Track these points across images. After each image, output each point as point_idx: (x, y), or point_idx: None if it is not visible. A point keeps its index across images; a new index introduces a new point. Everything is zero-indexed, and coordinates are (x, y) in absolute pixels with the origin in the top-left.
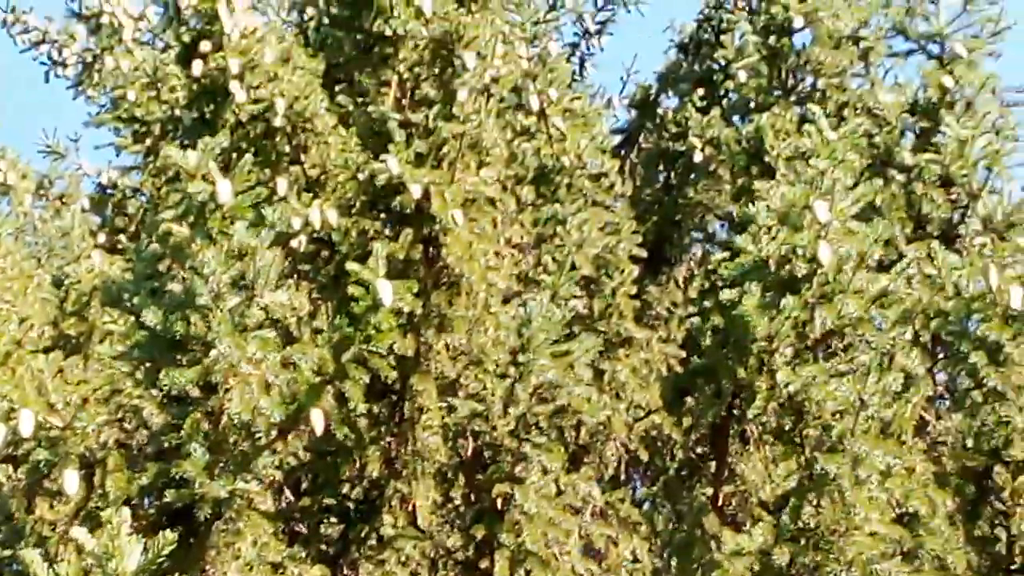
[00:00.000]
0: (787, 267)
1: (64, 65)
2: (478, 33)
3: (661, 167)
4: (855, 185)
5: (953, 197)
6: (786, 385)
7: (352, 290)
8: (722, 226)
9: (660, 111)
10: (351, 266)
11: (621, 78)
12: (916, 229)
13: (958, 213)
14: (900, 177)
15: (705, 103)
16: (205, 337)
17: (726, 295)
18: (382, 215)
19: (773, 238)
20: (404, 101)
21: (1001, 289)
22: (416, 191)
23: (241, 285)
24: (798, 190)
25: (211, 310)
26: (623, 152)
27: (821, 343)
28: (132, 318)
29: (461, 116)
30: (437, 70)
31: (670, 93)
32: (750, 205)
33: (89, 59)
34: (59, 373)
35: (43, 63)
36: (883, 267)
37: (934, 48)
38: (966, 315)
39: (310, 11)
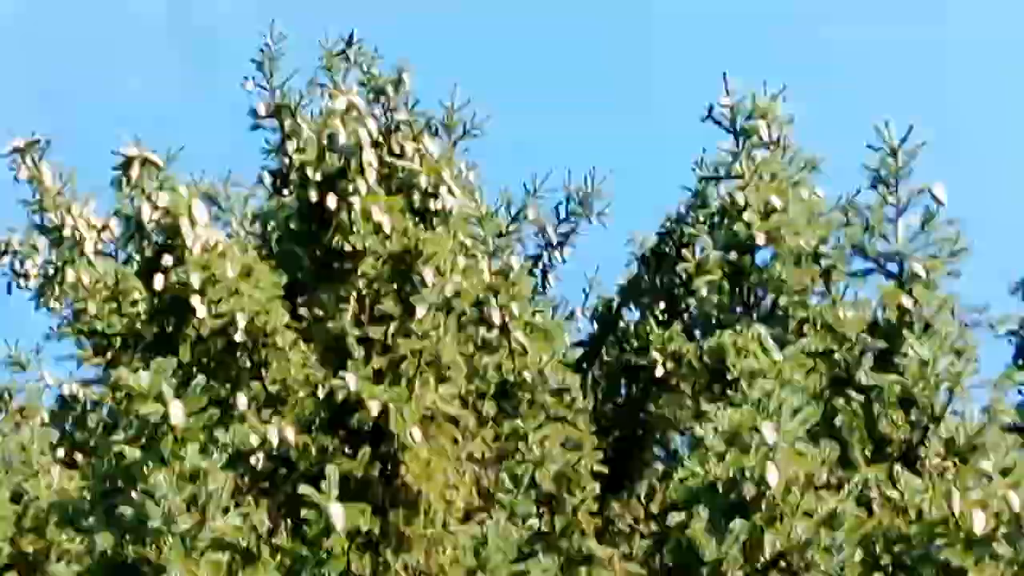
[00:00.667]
0: (735, 490)
1: (26, 277)
2: (437, 249)
3: (623, 381)
4: (803, 406)
5: (913, 418)
6: None
7: (306, 512)
8: (684, 441)
9: (622, 324)
10: (304, 489)
11: (583, 290)
12: (876, 450)
13: (918, 434)
14: (859, 397)
15: (667, 316)
16: (158, 561)
17: (675, 518)
18: (341, 432)
19: (721, 460)
20: (363, 316)
21: (964, 514)
22: (374, 408)
23: (193, 508)
24: (745, 411)
25: (163, 534)
26: (585, 366)
27: (771, 566)
28: (87, 539)
29: (420, 332)
30: (396, 286)
31: (632, 306)
32: (699, 427)
33: (51, 271)
34: None
35: (4, 274)
36: (840, 489)
37: (893, 267)
38: (928, 539)
39: (272, 223)
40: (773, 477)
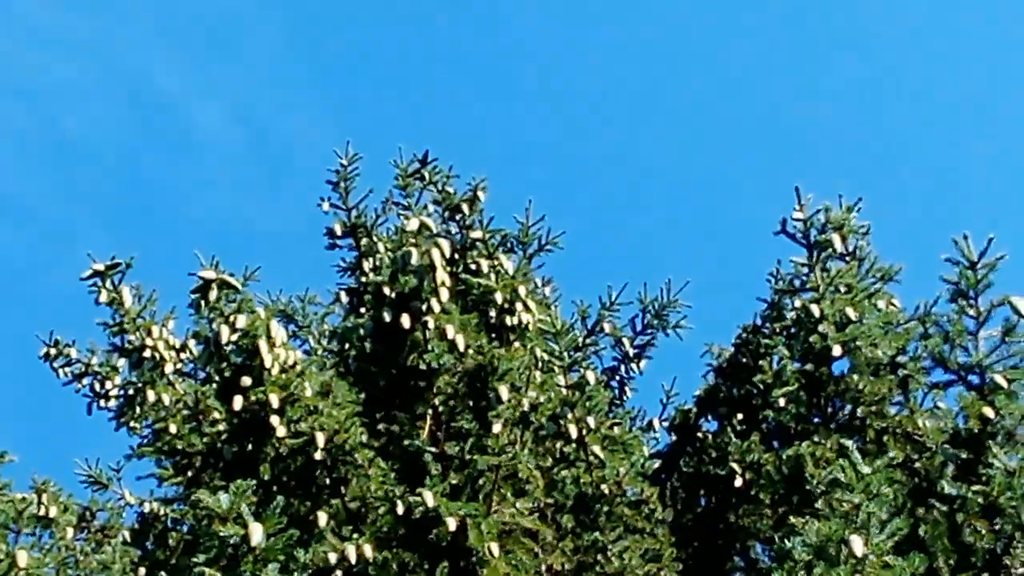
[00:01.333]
0: None
1: (106, 397)
2: (512, 365)
3: (702, 492)
4: (891, 518)
5: (998, 528)
6: None
7: None
8: (764, 552)
9: (700, 434)
10: None
11: (661, 401)
12: (960, 560)
13: (1003, 544)
14: (942, 507)
15: (744, 427)
16: None
17: None
18: (420, 547)
19: (809, 572)
20: (439, 433)
21: None
22: (452, 524)
23: None
24: (833, 524)
25: None
26: (664, 476)
27: None
28: None
29: (496, 448)
30: (472, 402)
31: (709, 417)
32: (786, 540)
33: (131, 392)
34: None
35: (85, 395)
36: None
37: (973, 378)
38: None
39: (349, 342)
40: None
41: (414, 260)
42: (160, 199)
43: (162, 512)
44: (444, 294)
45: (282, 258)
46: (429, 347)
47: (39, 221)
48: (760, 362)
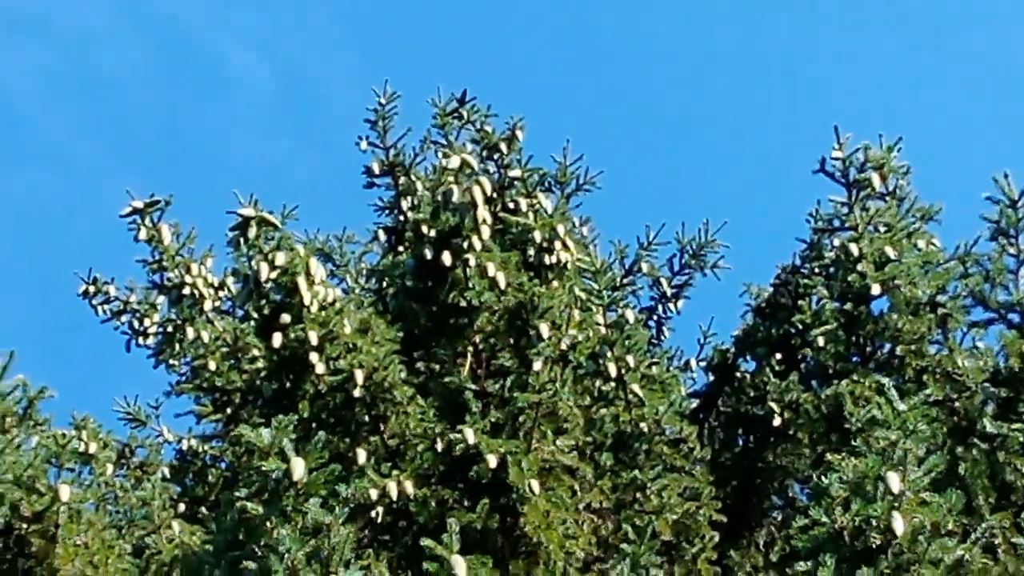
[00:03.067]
0: (861, 538)
1: (145, 335)
2: (552, 303)
3: (740, 431)
4: (928, 455)
5: None
6: None
7: (427, 565)
8: (802, 491)
9: (738, 375)
10: (426, 542)
11: (698, 341)
12: (1000, 498)
13: None
14: (983, 445)
15: (783, 367)
16: None
17: (800, 568)
18: (460, 484)
19: (846, 509)
20: (480, 371)
21: None
22: (492, 461)
23: (316, 561)
24: (870, 461)
25: None
26: (701, 416)
27: None
28: None
29: (536, 385)
30: (512, 340)
31: (747, 356)
32: (823, 477)
33: (170, 329)
34: None
35: (124, 333)
36: (965, 536)
37: (1014, 317)
38: None
39: (387, 280)
40: (899, 526)
41: (455, 197)
42: (193, 141)
43: (201, 449)
44: (485, 232)
45: (318, 199)
46: (470, 284)
47: (72, 163)
48: (799, 302)
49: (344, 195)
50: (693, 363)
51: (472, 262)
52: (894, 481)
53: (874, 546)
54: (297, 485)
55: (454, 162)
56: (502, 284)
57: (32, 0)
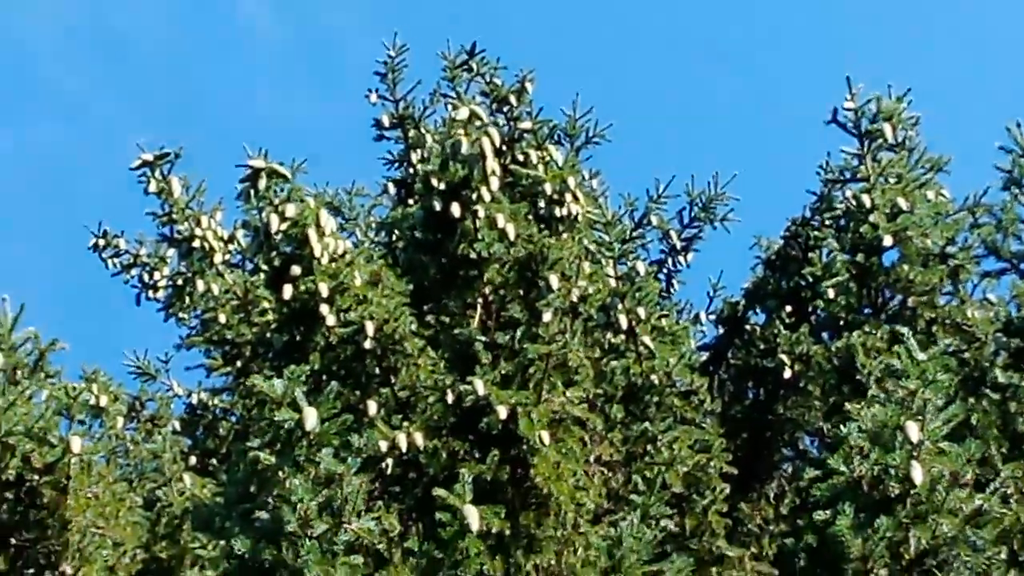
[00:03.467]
0: (880, 487)
1: (155, 288)
2: (562, 255)
3: (750, 383)
4: (946, 405)
5: None
6: None
7: (440, 515)
8: (813, 443)
9: (748, 327)
10: (438, 492)
11: (708, 294)
12: (1012, 448)
13: None
14: (994, 396)
15: (793, 320)
16: (295, 564)
17: (819, 516)
18: (470, 436)
19: (865, 458)
20: (490, 323)
21: None
22: (503, 412)
23: (329, 511)
24: (889, 410)
25: (299, 537)
26: (712, 369)
27: (916, 564)
28: (222, 544)
29: (546, 337)
30: (522, 291)
31: (758, 309)
32: (842, 425)
33: (180, 282)
34: None
35: (134, 286)
36: (978, 486)
37: None
38: None
39: (397, 232)
40: (918, 475)
41: (464, 149)
42: (207, 95)
43: (211, 402)
44: (494, 183)
45: (329, 153)
46: (479, 236)
47: (86, 117)
48: (809, 254)
49: (355, 149)
50: (703, 316)
51: (481, 213)
52: (913, 430)
53: (892, 495)
54: (310, 435)
55: (463, 113)
56: (511, 235)
57: None
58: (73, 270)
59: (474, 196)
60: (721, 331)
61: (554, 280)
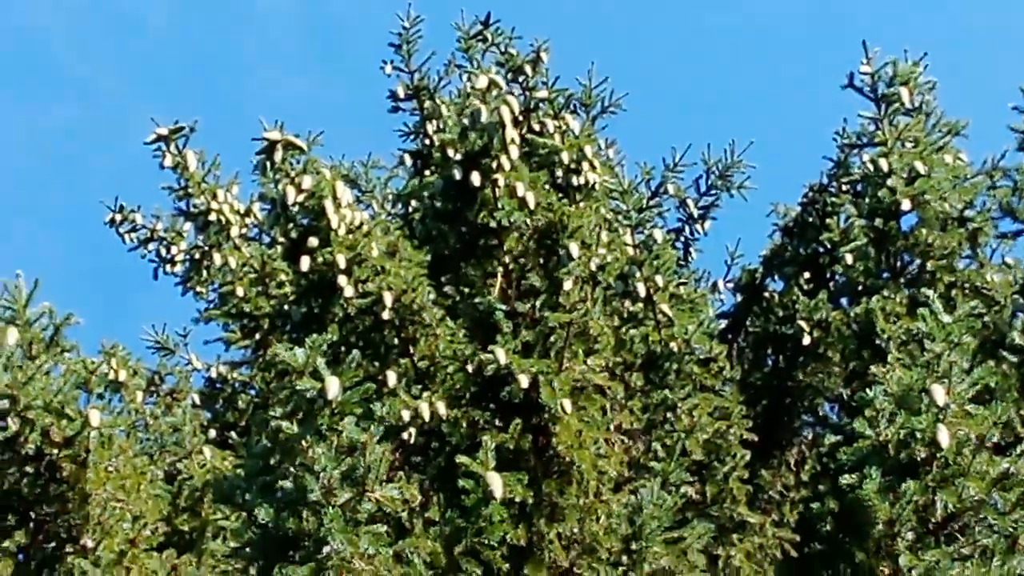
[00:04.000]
0: (906, 451)
1: (172, 262)
2: (582, 223)
3: (769, 351)
4: (971, 368)
5: None
6: (910, 570)
7: (463, 482)
8: (832, 409)
9: (766, 295)
10: (461, 459)
11: (726, 262)
12: None
13: None
14: (1013, 358)
15: (812, 286)
16: (317, 533)
17: (845, 480)
18: (491, 405)
19: (891, 422)
20: (510, 292)
21: None
22: (524, 381)
23: (352, 480)
24: (915, 374)
25: (322, 506)
26: (730, 336)
27: (942, 527)
28: (244, 515)
29: (567, 305)
30: (542, 260)
31: (776, 276)
32: (867, 389)
33: (197, 256)
34: (173, 571)
35: (151, 261)
36: (1001, 449)
37: None
38: None
39: (414, 204)
40: (944, 438)
41: (483, 118)
42: (219, 75)
43: (230, 376)
44: (514, 151)
45: (344, 130)
46: (499, 205)
47: (97, 96)
48: (827, 220)
49: (370, 125)
50: (721, 284)
51: (501, 182)
52: (939, 393)
53: (919, 458)
54: (332, 404)
55: (482, 82)
56: (531, 204)
57: None
58: (90, 247)
59: (494, 165)
60: (739, 299)
61: (574, 248)
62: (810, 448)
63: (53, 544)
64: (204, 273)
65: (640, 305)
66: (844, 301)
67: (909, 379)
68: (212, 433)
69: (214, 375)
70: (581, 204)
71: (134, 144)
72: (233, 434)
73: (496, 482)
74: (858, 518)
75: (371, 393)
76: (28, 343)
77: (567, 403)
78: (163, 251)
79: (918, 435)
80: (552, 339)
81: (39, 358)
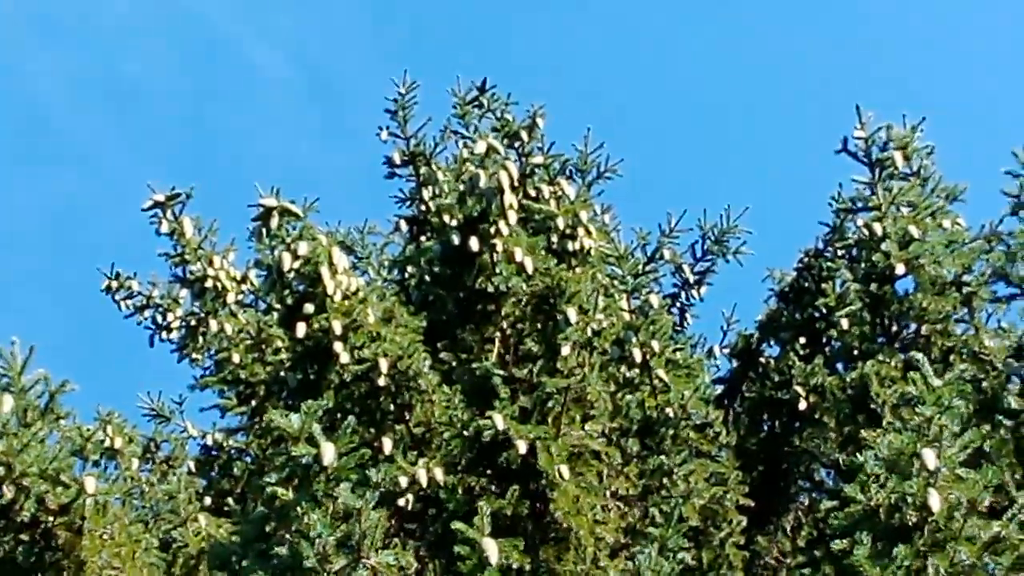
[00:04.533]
0: (897, 515)
1: (168, 329)
2: (579, 288)
3: (765, 416)
4: (962, 431)
5: None
6: None
7: (459, 549)
8: (828, 474)
9: (762, 360)
10: (457, 525)
11: (721, 328)
12: None
13: None
14: (1008, 422)
15: (807, 351)
16: None
17: (837, 545)
18: (488, 471)
19: (882, 487)
20: (507, 357)
21: None
22: (522, 447)
23: (347, 547)
24: (905, 438)
25: (318, 573)
26: (726, 402)
27: None
28: None
29: (565, 370)
30: (539, 325)
31: (771, 341)
32: (858, 454)
33: (193, 323)
34: None
35: (147, 328)
36: (994, 513)
37: None
38: None
39: (410, 270)
40: (935, 503)
41: (482, 183)
42: (219, 141)
43: (226, 443)
44: (512, 217)
45: (341, 198)
46: (497, 270)
47: (98, 165)
48: (822, 285)
49: (366, 193)
50: (717, 350)
51: (499, 247)
52: (930, 457)
53: (910, 523)
54: (327, 469)
55: (480, 147)
56: (530, 269)
57: (56, 1)
58: (88, 317)
59: (492, 230)
60: (735, 364)
61: (572, 313)
62: (806, 514)
63: None
64: (200, 340)
65: (636, 370)
66: (840, 366)
67: (900, 443)
68: (208, 500)
69: (210, 442)
70: (577, 269)
71: (133, 210)
72: (229, 501)
73: (492, 548)
74: None
75: (367, 459)
76: (23, 410)
77: (565, 469)
78: (159, 318)
79: (909, 499)
80: (550, 404)
81: (34, 425)
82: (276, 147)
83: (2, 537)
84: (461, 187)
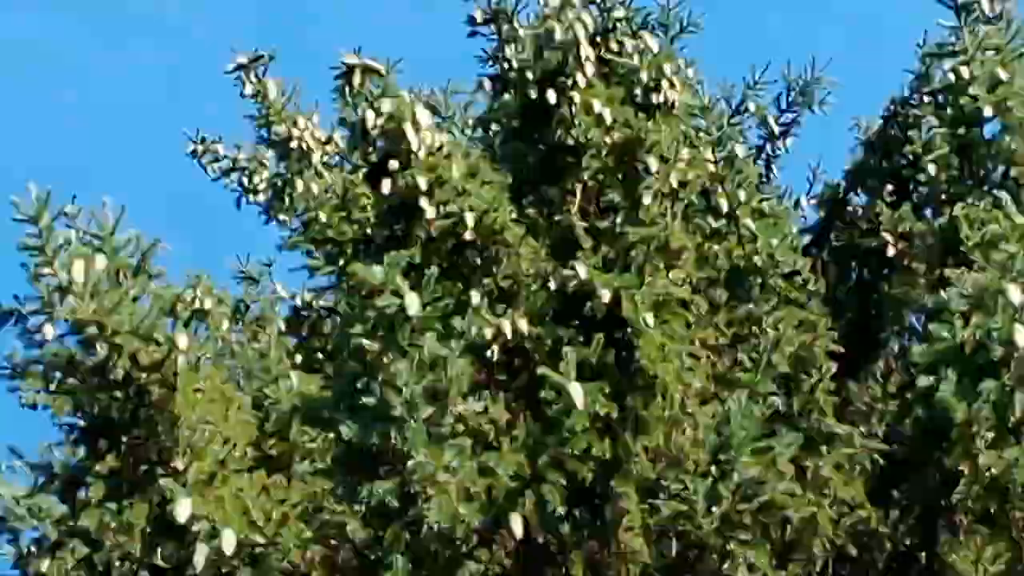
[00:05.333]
0: (983, 351)
1: (255, 191)
2: (659, 138)
3: (854, 264)
4: None
5: None
6: (989, 468)
7: (545, 394)
8: (918, 319)
9: (849, 208)
10: (543, 371)
11: (807, 178)
12: None
13: None
14: None
15: (895, 198)
16: (401, 448)
17: (922, 382)
18: (573, 322)
19: (967, 324)
20: (590, 208)
21: None
22: (606, 295)
23: (434, 395)
24: (990, 274)
25: (406, 421)
26: (814, 251)
27: (1021, 425)
28: (331, 434)
29: (647, 220)
30: (621, 176)
31: (859, 190)
32: (942, 292)
33: (279, 184)
34: (262, 492)
35: (233, 190)
36: None
37: None
38: None
39: (494, 127)
40: (1021, 338)
41: (558, 36)
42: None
43: (315, 302)
44: (589, 68)
45: (423, 53)
46: (576, 122)
47: (181, 36)
48: (909, 132)
49: (450, 54)
50: (804, 201)
51: (577, 99)
52: (1015, 293)
53: (996, 359)
54: (412, 319)
55: (555, 1)
56: (608, 120)
57: None
58: (175, 181)
59: (569, 82)
60: (822, 214)
61: (653, 163)
62: (896, 359)
63: (145, 467)
64: (286, 201)
65: (723, 221)
66: (928, 212)
67: (984, 280)
68: (298, 359)
69: (299, 303)
70: (661, 122)
71: (217, 78)
72: (320, 357)
73: (578, 392)
74: (938, 422)
75: (451, 309)
76: (115, 270)
77: (649, 317)
78: (245, 180)
79: (994, 335)
80: (633, 254)
81: (126, 284)
82: (358, 9)
83: (97, 395)
84: (539, 41)
